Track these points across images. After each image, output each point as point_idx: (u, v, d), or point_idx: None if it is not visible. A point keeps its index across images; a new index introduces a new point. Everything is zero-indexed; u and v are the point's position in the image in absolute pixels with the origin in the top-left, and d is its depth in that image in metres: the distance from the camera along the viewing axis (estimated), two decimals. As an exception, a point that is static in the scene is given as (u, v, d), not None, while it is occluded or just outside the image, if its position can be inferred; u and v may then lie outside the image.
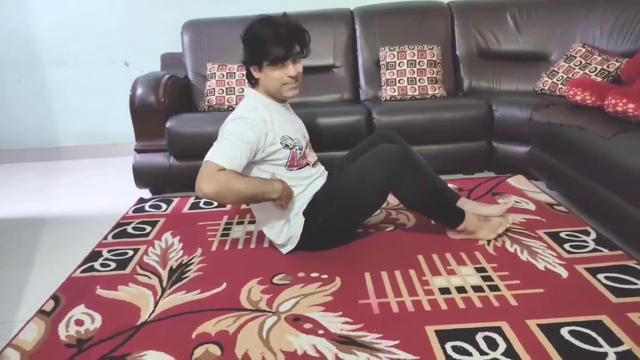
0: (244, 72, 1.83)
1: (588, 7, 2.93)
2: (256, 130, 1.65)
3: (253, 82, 1.79)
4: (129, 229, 2.22)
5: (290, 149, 1.73)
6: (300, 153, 1.77)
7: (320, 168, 1.92)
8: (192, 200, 2.54)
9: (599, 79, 2.59)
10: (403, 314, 1.46)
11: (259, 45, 1.65)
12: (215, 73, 2.94)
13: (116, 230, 2.21)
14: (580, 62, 2.72)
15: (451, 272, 1.68)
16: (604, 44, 2.82)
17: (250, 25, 1.70)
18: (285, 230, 1.80)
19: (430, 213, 1.89)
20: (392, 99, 2.90)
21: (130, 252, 1.99)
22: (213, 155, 1.57)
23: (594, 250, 1.78)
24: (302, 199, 1.79)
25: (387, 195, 1.82)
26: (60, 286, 1.75)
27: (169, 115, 2.62)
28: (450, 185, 2.41)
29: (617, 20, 2.82)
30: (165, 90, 2.66)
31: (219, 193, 1.54)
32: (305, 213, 1.78)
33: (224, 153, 1.58)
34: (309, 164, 1.84)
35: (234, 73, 2.92)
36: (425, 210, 1.88)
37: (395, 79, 2.92)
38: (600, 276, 1.59)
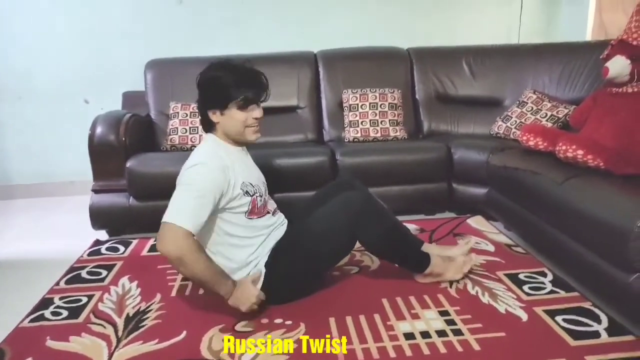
0: (200, 115, 1.75)
1: (537, 56, 3.12)
2: (217, 178, 1.60)
3: (208, 128, 1.75)
4: (84, 274, 2.12)
5: (251, 196, 1.69)
6: (260, 200, 1.74)
7: (281, 216, 1.88)
8: (151, 242, 2.47)
9: (550, 124, 2.73)
10: (368, 362, 1.45)
11: (224, 87, 1.63)
12: (178, 112, 2.92)
13: (69, 275, 2.11)
14: (532, 108, 2.87)
15: (415, 317, 1.68)
16: (552, 91, 2.99)
17: (209, 68, 1.68)
18: None
19: (396, 258, 1.88)
20: (355, 140, 2.95)
21: (84, 299, 1.89)
22: (178, 218, 1.52)
23: (551, 292, 1.83)
24: (262, 250, 1.74)
25: (354, 244, 1.80)
26: (7, 337, 1.64)
27: (130, 155, 2.57)
28: (412, 225, 2.47)
29: (564, 69, 3.00)
30: (126, 129, 2.61)
31: (181, 260, 1.52)
32: (266, 265, 1.72)
33: (187, 212, 1.53)
34: (269, 212, 1.80)
35: (197, 112, 2.90)
36: (391, 256, 1.88)
37: (358, 120, 2.99)
38: (559, 318, 1.63)
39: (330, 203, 1.77)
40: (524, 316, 1.66)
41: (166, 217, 1.54)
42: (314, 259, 1.76)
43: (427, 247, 1.98)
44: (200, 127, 2.81)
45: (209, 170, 1.60)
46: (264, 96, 1.72)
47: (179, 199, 1.57)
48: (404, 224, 2.11)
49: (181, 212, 1.54)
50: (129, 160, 2.53)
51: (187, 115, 2.90)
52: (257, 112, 1.69)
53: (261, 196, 1.75)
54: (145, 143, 2.86)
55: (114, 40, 3.37)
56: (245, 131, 1.70)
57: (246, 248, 1.72)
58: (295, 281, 1.78)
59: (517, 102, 2.97)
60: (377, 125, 2.97)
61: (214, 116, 1.68)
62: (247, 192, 1.68)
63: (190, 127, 2.88)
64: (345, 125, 3.05)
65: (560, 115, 2.76)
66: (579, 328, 1.58)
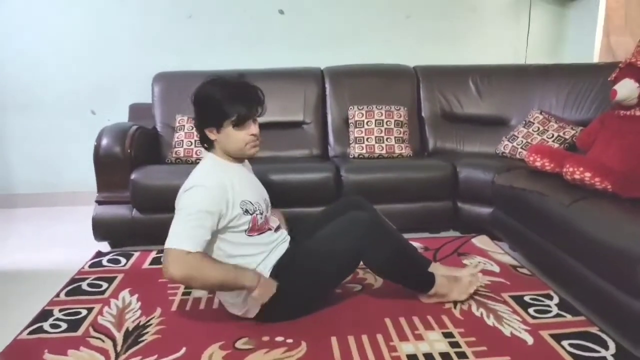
0: (198, 132, 1.72)
1: (544, 76, 3.12)
2: (216, 198, 1.57)
3: (207, 146, 1.73)
4: (84, 286, 2.11)
5: (251, 214, 1.66)
6: (261, 218, 1.70)
7: (283, 233, 1.85)
8: (153, 254, 2.45)
9: (556, 145, 2.72)
10: (370, 384, 1.42)
11: (217, 106, 1.60)
12: (184, 125, 2.93)
13: (70, 287, 2.10)
14: (539, 128, 2.86)
15: (419, 338, 1.65)
16: (559, 112, 2.99)
17: (203, 86, 1.64)
18: (242, 301, 1.70)
19: (401, 279, 1.85)
20: (360, 156, 2.95)
21: (84, 312, 1.87)
22: (177, 242, 1.51)
23: (558, 315, 1.80)
24: (264, 268, 1.70)
25: (358, 265, 1.78)
26: (4, 349, 1.62)
27: (135, 167, 2.56)
28: (416, 243, 2.45)
29: (571, 90, 3.00)
30: (132, 141, 2.62)
31: (189, 277, 1.51)
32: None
33: (184, 235, 1.52)
34: (270, 229, 1.77)
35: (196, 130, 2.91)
36: (395, 277, 1.84)
37: (363, 137, 2.99)
38: (565, 343, 1.60)
39: (337, 222, 1.76)
40: (530, 340, 1.63)
41: (166, 244, 1.52)
42: (317, 278, 1.74)
43: (434, 267, 1.95)
44: (205, 141, 2.86)
45: (206, 190, 1.58)
46: (260, 111, 1.68)
47: (175, 224, 1.55)
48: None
49: (179, 235, 1.52)
50: (134, 172, 2.52)
51: (192, 128, 2.89)
52: (253, 129, 1.66)
53: (262, 213, 1.71)
54: (150, 155, 2.87)
55: (121, 52, 3.39)
56: (245, 147, 1.67)
57: (248, 267, 1.69)
58: (297, 300, 1.75)
59: (524, 122, 2.96)
60: (383, 142, 2.96)
61: (211, 134, 1.66)
62: (246, 211, 1.64)
63: (195, 140, 2.88)
64: (350, 142, 3.05)
65: (567, 137, 2.75)
66: (586, 353, 1.54)
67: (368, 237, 1.70)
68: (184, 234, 1.52)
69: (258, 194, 1.76)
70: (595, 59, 3.42)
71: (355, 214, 1.77)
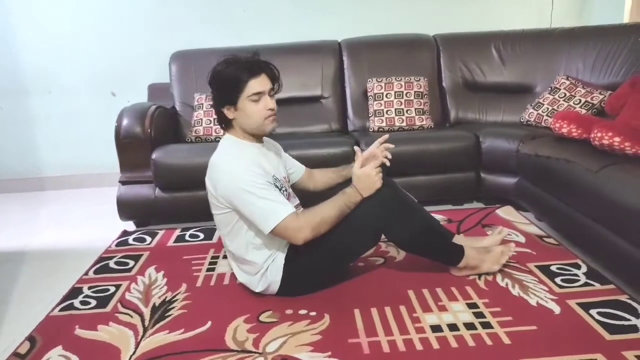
0: (216, 113, 1.73)
1: (570, 40, 2.99)
2: (260, 171, 1.62)
3: (225, 126, 1.73)
4: (112, 264, 2.16)
5: (279, 189, 1.67)
6: (285, 194, 1.71)
7: (301, 209, 1.83)
8: (177, 232, 2.49)
9: (584, 111, 2.63)
10: (394, 354, 1.42)
11: (233, 82, 1.61)
12: (203, 103, 2.93)
13: (98, 265, 2.15)
14: (565, 95, 2.76)
15: (442, 309, 1.64)
16: (587, 77, 2.87)
17: (218, 66, 1.65)
18: (262, 279, 1.73)
19: (428, 254, 1.82)
20: (380, 129, 2.90)
21: (112, 289, 1.92)
22: (277, 216, 1.54)
23: (586, 284, 1.76)
24: (280, 243, 1.72)
25: (379, 239, 1.77)
26: (37, 326, 1.68)
27: (155, 146, 2.58)
28: (439, 216, 2.42)
29: (599, 53, 2.88)
30: (151, 121, 2.63)
31: (316, 229, 1.57)
32: (287, 258, 1.70)
33: (278, 204, 1.56)
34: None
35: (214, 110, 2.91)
36: (422, 252, 1.81)
37: (383, 109, 2.94)
38: (593, 312, 1.57)
39: None
40: (557, 309, 1.60)
41: (271, 226, 1.55)
42: (336, 254, 1.73)
43: (458, 239, 1.93)
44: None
45: (252, 167, 1.61)
46: (275, 86, 1.69)
47: (259, 206, 1.56)
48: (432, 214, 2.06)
49: (272, 210, 1.55)
50: (155, 152, 2.55)
51: (211, 107, 2.90)
52: (270, 103, 1.66)
53: (286, 190, 1.74)
54: (170, 135, 2.89)
55: (138, 32, 3.39)
56: (264, 122, 1.67)
57: (264, 247, 1.70)
58: (316, 275, 1.76)
59: (549, 89, 2.86)
60: (403, 115, 2.91)
61: (229, 112, 1.66)
62: (276, 186, 1.65)
63: (214, 118, 2.83)
64: (370, 115, 3.00)
65: (595, 102, 2.65)
66: (615, 322, 1.51)
67: (390, 213, 1.67)
68: (275, 206, 1.56)
69: (280, 172, 1.78)
70: (626, 19, 3.27)
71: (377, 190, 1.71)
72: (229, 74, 1.62)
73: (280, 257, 1.71)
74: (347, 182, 1.73)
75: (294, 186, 1.96)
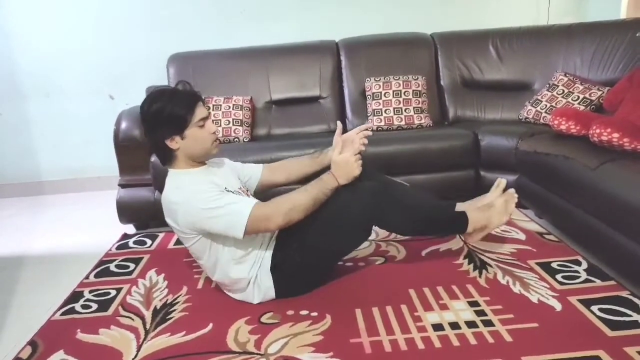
0: (156, 150, 1.71)
1: (567, 37, 2.99)
2: (212, 186, 1.63)
3: (168, 161, 1.71)
4: (112, 267, 2.15)
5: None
6: None
7: None
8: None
9: (582, 108, 2.63)
10: (396, 354, 1.42)
11: (185, 110, 1.60)
12: (201, 105, 2.93)
13: (98, 269, 2.15)
14: (563, 91, 2.76)
15: (444, 307, 1.64)
16: (585, 73, 2.87)
17: (151, 103, 1.61)
18: (255, 288, 1.72)
19: (429, 231, 1.84)
20: (379, 129, 2.90)
21: (113, 292, 1.92)
22: (243, 214, 1.54)
23: (586, 280, 1.76)
24: (265, 246, 1.73)
25: (369, 233, 1.77)
26: (39, 331, 1.67)
27: (154, 149, 2.58)
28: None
29: (596, 49, 2.88)
30: (150, 123, 2.62)
31: (287, 216, 1.57)
32: (276, 260, 1.70)
33: (241, 205, 1.57)
34: None
35: (220, 105, 2.91)
36: (425, 231, 1.84)
37: (381, 109, 2.94)
38: (594, 308, 1.57)
39: (342, 192, 1.66)
40: (558, 306, 1.60)
41: (240, 228, 1.55)
42: (326, 251, 1.73)
43: (460, 207, 1.92)
44: (222, 120, 2.85)
45: (199, 186, 1.62)
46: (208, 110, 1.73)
47: (222, 216, 1.56)
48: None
49: (236, 212, 1.55)
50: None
51: (209, 109, 2.90)
52: (213, 127, 1.68)
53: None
54: (169, 137, 2.88)
55: (135, 35, 3.39)
56: (211, 146, 1.68)
57: (246, 257, 1.70)
58: (311, 273, 1.77)
59: (547, 86, 2.86)
60: (401, 113, 2.91)
61: (173, 143, 1.63)
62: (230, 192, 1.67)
63: (212, 120, 2.87)
64: (368, 114, 3.00)
65: (593, 98, 2.65)
66: (617, 318, 1.51)
67: (377, 204, 1.67)
68: (237, 207, 1.56)
69: (233, 184, 1.77)
70: (623, 15, 3.27)
71: (359, 185, 1.68)
72: (178, 104, 1.60)
73: (266, 260, 1.71)
74: (324, 169, 1.74)
75: (261, 189, 1.95)
